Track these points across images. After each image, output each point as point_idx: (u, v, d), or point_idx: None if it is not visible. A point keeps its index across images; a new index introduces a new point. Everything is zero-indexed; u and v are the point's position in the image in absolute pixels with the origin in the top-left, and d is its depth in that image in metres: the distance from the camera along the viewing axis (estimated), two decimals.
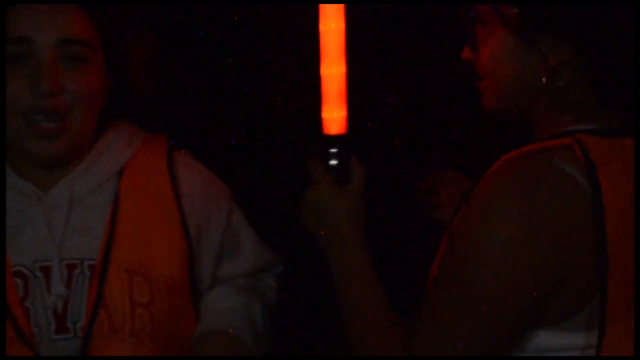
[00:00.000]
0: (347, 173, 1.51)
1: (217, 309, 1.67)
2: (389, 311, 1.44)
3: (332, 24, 1.50)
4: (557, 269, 1.34)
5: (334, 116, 1.51)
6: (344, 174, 1.51)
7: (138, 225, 1.60)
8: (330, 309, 1.53)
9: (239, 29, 2.34)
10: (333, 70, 1.50)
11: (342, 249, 1.49)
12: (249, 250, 1.75)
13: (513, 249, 1.33)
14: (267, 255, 1.78)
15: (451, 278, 1.37)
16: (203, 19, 2.31)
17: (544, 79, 1.41)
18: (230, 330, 1.64)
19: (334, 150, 1.52)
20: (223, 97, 2.36)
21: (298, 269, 2.25)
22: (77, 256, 1.57)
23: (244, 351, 1.64)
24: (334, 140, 1.52)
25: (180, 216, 1.63)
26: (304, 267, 2.30)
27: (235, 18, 2.30)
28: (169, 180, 1.64)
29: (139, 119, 1.72)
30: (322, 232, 1.51)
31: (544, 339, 1.39)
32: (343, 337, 1.52)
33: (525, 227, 1.33)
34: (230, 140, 2.33)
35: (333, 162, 1.52)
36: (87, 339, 1.53)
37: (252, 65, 2.35)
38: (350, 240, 1.49)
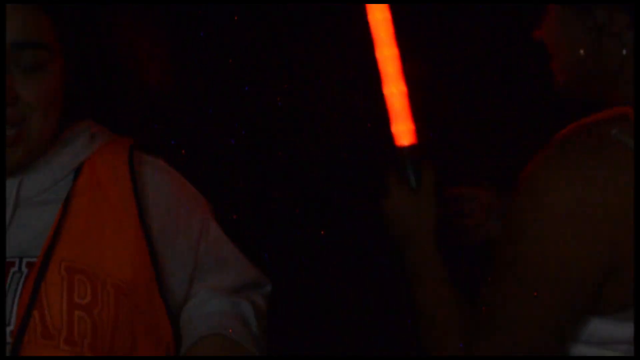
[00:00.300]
0: (420, 178, 1.62)
1: (203, 313, 1.55)
2: (455, 306, 1.47)
3: (385, 51, 1.63)
4: (612, 248, 1.28)
5: (402, 129, 1.64)
6: (418, 179, 1.61)
7: (89, 224, 1.47)
8: (330, 309, 1.54)
9: (239, 29, 2.34)
10: (393, 90, 1.63)
11: (412, 249, 1.56)
12: (229, 266, 1.61)
13: (563, 224, 1.28)
14: (252, 273, 1.64)
15: (504, 258, 1.35)
16: (204, 18, 2.31)
17: (581, 51, 1.40)
18: (231, 330, 1.53)
19: (407, 159, 1.63)
20: (223, 97, 2.36)
21: (298, 269, 2.25)
22: (16, 254, 1.44)
23: (247, 354, 1.52)
24: (406, 150, 1.63)
25: (139, 216, 1.50)
26: (304, 267, 2.31)
27: (235, 18, 2.30)
28: (129, 180, 1.51)
29: (142, 119, 1.71)
30: (398, 235, 1.59)
31: (598, 328, 1.34)
32: (343, 337, 1.52)
33: (577, 201, 1.28)
34: (230, 140, 2.33)
35: (408, 170, 1.62)
36: (17, 345, 1.36)
37: (253, 65, 2.36)
38: (419, 240, 1.55)
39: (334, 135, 2.37)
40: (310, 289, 2.26)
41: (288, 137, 2.36)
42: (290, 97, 2.33)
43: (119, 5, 1.64)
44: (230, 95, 2.35)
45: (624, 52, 1.38)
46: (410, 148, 1.62)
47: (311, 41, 2.33)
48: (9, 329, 1.38)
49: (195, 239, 1.58)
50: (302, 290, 2.25)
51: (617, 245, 1.29)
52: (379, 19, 1.62)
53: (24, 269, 1.43)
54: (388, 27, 1.63)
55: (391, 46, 1.62)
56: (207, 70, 2.33)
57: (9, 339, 1.37)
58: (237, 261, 1.62)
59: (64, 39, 1.48)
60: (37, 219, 1.47)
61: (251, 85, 2.34)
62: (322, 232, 2.19)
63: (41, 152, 1.50)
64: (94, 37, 1.54)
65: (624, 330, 1.33)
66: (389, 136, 1.65)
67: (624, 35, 1.38)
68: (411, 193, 1.58)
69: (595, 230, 1.28)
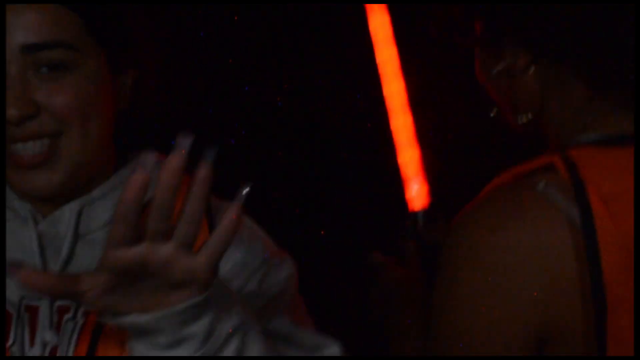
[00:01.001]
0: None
1: None
2: None
3: (399, 118, 1.64)
4: (545, 317, 1.17)
5: (415, 192, 1.65)
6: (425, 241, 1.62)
7: None
8: (330, 309, 1.54)
9: (239, 29, 2.34)
10: (405, 157, 1.64)
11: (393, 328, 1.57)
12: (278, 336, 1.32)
13: (482, 294, 1.18)
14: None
15: (432, 327, 1.27)
16: (204, 18, 2.31)
17: (494, 115, 1.36)
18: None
19: (418, 222, 1.63)
20: (223, 97, 2.36)
21: (298, 269, 2.25)
22: None
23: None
24: (419, 214, 1.63)
25: None
26: (304, 267, 2.31)
27: (235, 18, 2.30)
28: (206, 225, 1.25)
29: (141, 119, 1.71)
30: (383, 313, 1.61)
31: None
32: (343, 337, 1.53)
33: (499, 265, 1.18)
34: (230, 140, 2.33)
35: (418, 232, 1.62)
36: None
37: (253, 65, 2.36)
38: (398, 319, 1.56)
39: (334, 135, 2.37)
40: (310, 289, 2.26)
41: (288, 137, 2.37)
42: (290, 97, 2.34)
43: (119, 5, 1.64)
44: (230, 95, 2.35)
45: (537, 86, 1.29)
46: (422, 212, 1.61)
47: (311, 41, 2.33)
48: None
49: (251, 297, 1.32)
50: (302, 290, 2.25)
51: (551, 307, 1.17)
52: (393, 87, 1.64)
53: (80, 319, 1.20)
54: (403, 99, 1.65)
55: (406, 115, 1.63)
56: (207, 70, 2.33)
57: None
58: (292, 335, 1.36)
59: (99, 34, 1.24)
60: (94, 260, 1.17)
61: (251, 85, 2.34)
62: (322, 232, 2.18)
63: (85, 176, 1.25)
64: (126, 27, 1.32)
65: None
66: (388, 137, 1.66)
67: (528, 72, 1.30)
68: (394, 272, 1.58)
69: (516, 292, 1.17)
